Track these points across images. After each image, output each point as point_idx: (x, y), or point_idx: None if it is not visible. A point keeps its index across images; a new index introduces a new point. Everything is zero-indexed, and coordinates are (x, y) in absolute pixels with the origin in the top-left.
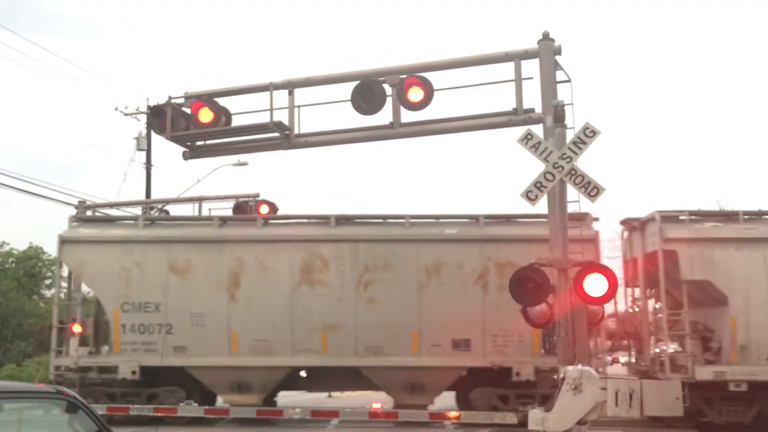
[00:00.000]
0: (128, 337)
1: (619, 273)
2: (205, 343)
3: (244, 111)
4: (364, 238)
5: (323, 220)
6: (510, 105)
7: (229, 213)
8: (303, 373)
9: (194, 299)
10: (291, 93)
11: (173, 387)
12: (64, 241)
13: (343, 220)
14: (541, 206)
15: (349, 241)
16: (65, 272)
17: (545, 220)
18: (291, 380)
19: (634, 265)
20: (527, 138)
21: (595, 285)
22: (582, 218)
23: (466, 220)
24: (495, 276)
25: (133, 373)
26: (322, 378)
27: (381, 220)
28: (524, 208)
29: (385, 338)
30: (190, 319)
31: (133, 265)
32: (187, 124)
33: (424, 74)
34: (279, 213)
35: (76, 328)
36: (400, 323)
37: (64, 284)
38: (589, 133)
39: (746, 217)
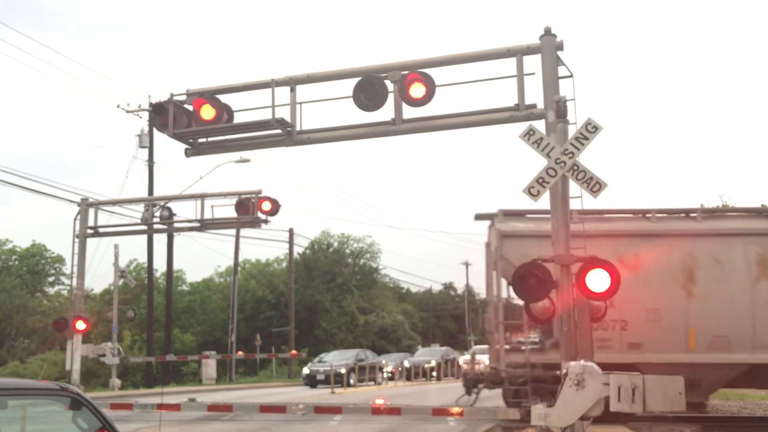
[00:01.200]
0: None
1: None
2: (660, 339)
3: (246, 108)
4: None
5: (755, 213)
6: (512, 101)
7: (231, 209)
8: None
9: (648, 294)
10: (293, 90)
11: None
12: (504, 236)
13: None
14: (543, 202)
15: None
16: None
17: None
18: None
19: None
20: (529, 134)
21: (597, 280)
22: None
23: None
24: None
25: None
26: None
27: None
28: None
29: None
30: (645, 314)
31: None
32: (189, 122)
33: (426, 70)
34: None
35: (80, 325)
36: None
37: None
38: (591, 129)
39: None
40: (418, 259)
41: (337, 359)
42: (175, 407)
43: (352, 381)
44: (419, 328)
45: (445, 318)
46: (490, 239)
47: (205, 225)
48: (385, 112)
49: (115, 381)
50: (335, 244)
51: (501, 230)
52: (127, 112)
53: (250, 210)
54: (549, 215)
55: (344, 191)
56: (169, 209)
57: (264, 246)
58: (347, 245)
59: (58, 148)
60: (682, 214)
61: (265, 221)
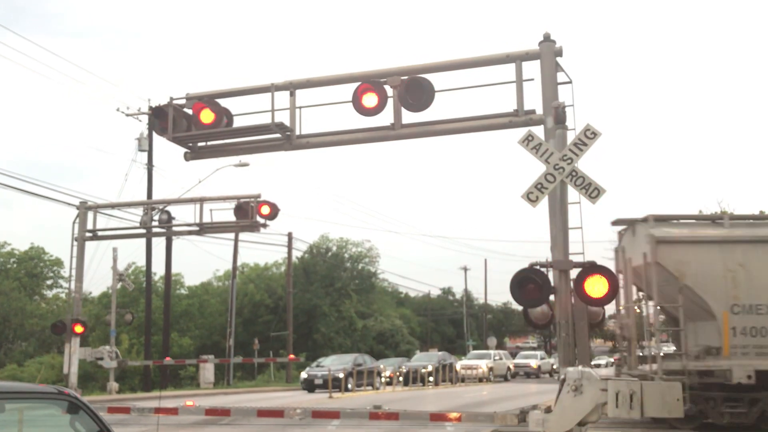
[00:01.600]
0: (739, 341)
1: None
2: None
3: (246, 112)
4: None
5: None
6: (511, 106)
7: (230, 213)
8: None
9: None
10: (292, 94)
11: None
12: (659, 242)
13: None
14: (542, 208)
15: None
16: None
17: None
18: None
19: None
20: (528, 139)
21: (596, 286)
22: None
23: None
24: None
25: (749, 377)
26: None
27: None
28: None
29: None
30: None
31: (737, 266)
32: (188, 125)
33: (426, 75)
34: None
35: (78, 328)
36: None
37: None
38: (590, 135)
39: None
40: (417, 263)
41: (335, 364)
42: (173, 411)
43: (350, 385)
44: (417, 332)
45: (444, 323)
46: (623, 244)
47: (203, 229)
48: (385, 117)
49: (113, 384)
50: (334, 249)
51: (655, 236)
52: (127, 115)
53: (249, 214)
54: (693, 220)
55: (343, 196)
56: (168, 213)
57: (263, 250)
58: (346, 249)
59: (57, 151)
60: None
61: (264, 225)
